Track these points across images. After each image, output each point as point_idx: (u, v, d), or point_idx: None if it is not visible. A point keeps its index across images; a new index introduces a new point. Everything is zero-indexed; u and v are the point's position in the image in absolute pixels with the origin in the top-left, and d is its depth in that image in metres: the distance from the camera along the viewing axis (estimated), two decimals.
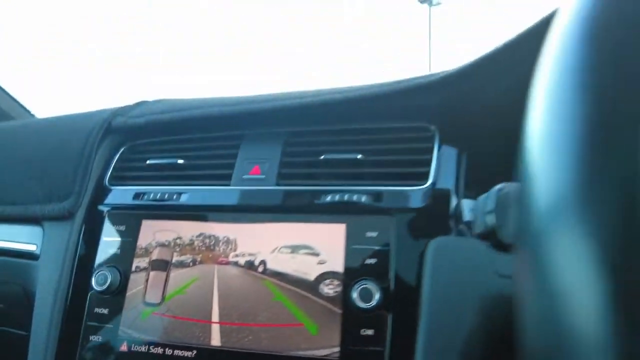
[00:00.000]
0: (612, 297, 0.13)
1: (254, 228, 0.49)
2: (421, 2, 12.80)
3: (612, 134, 0.15)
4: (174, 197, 0.53)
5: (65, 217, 0.54)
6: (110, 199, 0.56)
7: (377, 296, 0.42)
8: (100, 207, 0.55)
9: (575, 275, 0.14)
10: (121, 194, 0.56)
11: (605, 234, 0.14)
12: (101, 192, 0.56)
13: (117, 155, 0.59)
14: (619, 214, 0.14)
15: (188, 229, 0.51)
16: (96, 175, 0.57)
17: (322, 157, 0.51)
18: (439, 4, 13.46)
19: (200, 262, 0.49)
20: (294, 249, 0.48)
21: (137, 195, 0.54)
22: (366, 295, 0.43)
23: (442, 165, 0.49)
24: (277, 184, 0.51)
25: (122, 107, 0.61)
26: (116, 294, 0.50)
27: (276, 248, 0.48)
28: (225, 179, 0.53)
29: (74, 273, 0.53)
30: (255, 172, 0.52)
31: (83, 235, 0.54)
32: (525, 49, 0.42)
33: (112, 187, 0.57)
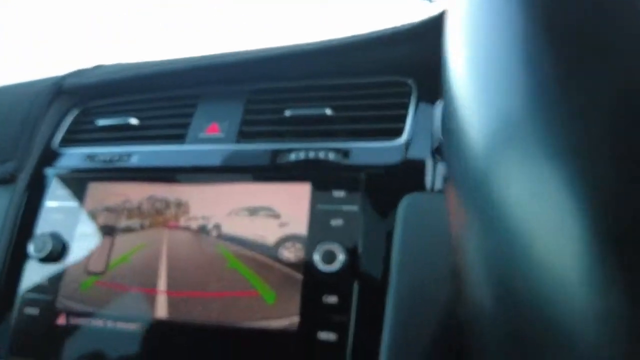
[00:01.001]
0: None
1: (209, 190, 0.44)
2: None
3: None
4: (124, 158, 0.48)
5: (7, 180, 0.49)
6: (58, 162, 0.50)
7: (341, 258, 0.37)
8: (47, 171, 0.50)
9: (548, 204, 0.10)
10: (69, 157, 0.50)
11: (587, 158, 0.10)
12: (49, 155, 0.51)
13: (68, 118, 0.54)
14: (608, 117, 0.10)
15: (137, 192, 0.46)
16: (44, 138, 0.52)
17: (287, 113, 0.46)
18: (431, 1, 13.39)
19: (150, 227, 0.44)
20: (252, 211, 0.42)
21: (85, 158, 0.49)
22: (329, 258, 0.37)
23: (419, 122, 0.44)
24: (237, 143, 0.46)
25: (76, 70, 0.55)
26: (56, 262, 0.44)
27: (232, 210, 0.43)
28: (180, 138, 0.48)
29: (13, 239, 0.47)
30: (213, 131, 0.47)
31: (25, 199, 0.49)
32: None
33: (61, 150, 0.51)
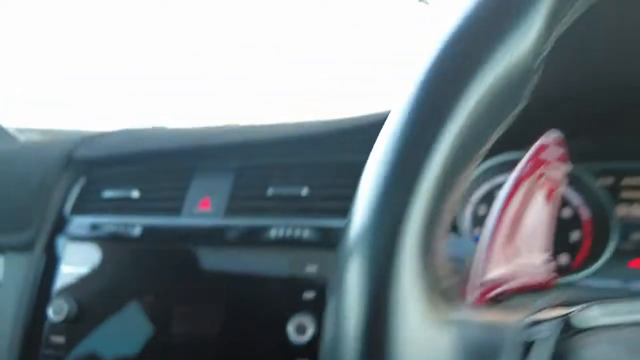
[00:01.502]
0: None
1: (200, 260, 0.51)
2: (419, 0, 12.86)
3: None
4: (128, 229, 0.54)
5: (25, 247, 0.56)
6: (69, 229, 0.57)
7: (311, 331, 0.44)
8: (60, 237, 0.57)
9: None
10: (80, 225, 0.57)
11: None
12: (61, 223, 0.58)
13: (77, 187, 0.60)
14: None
15: (141, 261, 0.53)
16: (56, 206, 0.58)
17: (269, 192, 0.52)
18: (427, 3, 13.44)
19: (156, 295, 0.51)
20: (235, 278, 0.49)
21: (94, 227, 0.56)
22: (300, 329, 0.44)
23: None
24: (225, 217, 0.53)
25: (82, 139, 0.62)
26: (73, 323, 0.51)
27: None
28: (176, 211, 0.54)
29: (33, 302, 0.54)
30: (205, 205, 0.54)
31: (43, 264, 0.56)
32: None
33: (72, 218, 0.58)
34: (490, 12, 0.18)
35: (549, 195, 0.27)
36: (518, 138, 0.52)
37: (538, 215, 0.26)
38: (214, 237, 0.52)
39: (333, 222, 0.49)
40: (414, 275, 0.17)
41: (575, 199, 0.53)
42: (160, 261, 0.52)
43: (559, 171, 0.27)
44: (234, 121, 0.80)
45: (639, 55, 0.45)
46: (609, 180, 0.54)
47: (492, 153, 0.55)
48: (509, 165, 0.55)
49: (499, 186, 0.55)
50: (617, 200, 0.53)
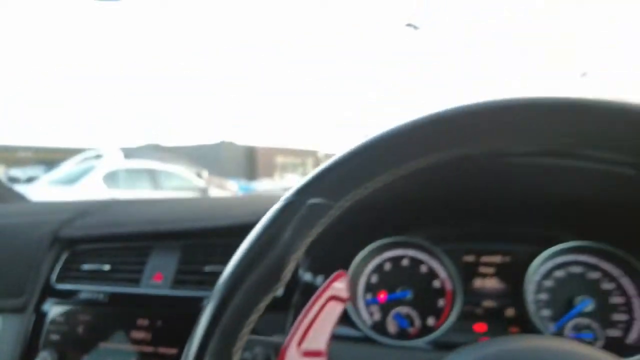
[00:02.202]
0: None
1: (154, 320, 0.66)
2: (407, 27, 13.42)
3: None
4: (101, 295, 0.69)
5: (20, 309, 0.71)
6: (55, 294, 0.72)
7: None
8: (47, 301, 0.72)
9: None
10: (63, 291, 0.72)
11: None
12: (48, 289, 0.73)
13: (61, 261, 0.76)
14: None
15: (109, 320, 0.68)
16: (44, 276, 0.74)
17: (207, 268, 0.68)
18: (423, 28, 14.00)
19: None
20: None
21: (74, 293, 0.71)
22: None
23: (292, 276, 0.65)
24: (172, 289, 0.68)
25: (66, 220, 0.77)
26: None
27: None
28: (137, 282, 0.70)
29: (24, 353, 0.69)
30: (158, 278, 0.69)
31: (32, 323, 0.70)
32: None
33: (57, 286, 0.73)
34: (259, 242, 0.33)
35: (336, 312, 0.41)
36: (400, 225, 0.68)
37: (326, 324, 0.40)
38: (164, 303, 0.67)
39: None
40: None
41: (442, 273, 0.68)
42: (123, 321, 0.67)
43: (344, 294, 0.42)
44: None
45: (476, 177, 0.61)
46: (470, 258, 0.69)
47: (380, 236, 0.70)
48: (393, 245, 0.70)
49: (387, 259, 0.70)
50: (475, 274, 0.68)
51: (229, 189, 9.04)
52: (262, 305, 0.33)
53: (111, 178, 6.03)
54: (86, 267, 0.73)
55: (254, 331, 0.62)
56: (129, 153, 9.14)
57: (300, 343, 0.38)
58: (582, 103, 0.30)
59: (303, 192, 0.35)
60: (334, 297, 0.40)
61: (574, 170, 0.56)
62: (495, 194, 0.65)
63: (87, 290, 0.70)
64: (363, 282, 0.70)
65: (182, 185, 6.68)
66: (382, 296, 0.69)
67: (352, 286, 0.69)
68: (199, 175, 8.06)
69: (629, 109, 0.30)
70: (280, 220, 0.34)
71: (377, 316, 0.68)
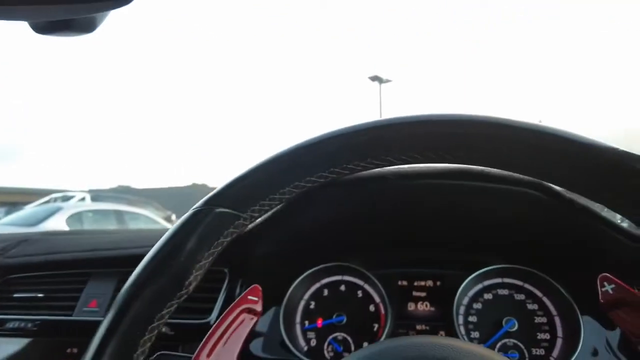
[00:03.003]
0: None
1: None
2: (372, 80, 13.88)
3: None
4: (29, 325, 0.66)
5: None
6: None
7: None
8: None
9: None
10: None
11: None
12: None
13: None
14: None
15: (39, 352, 0.65)
16: None
17: None
18: (389, 81, 14.58)
19: None
20: None
21: (7, 321, 0.68)
22: None
23: (227, 302, 0.64)
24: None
25: (2, 247, 0.75)
26: None
27: None
28: (71, 309, 0.67)
29: None
30: (93, 305, 0.67)
31: None
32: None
33: None
34: (164, 250, 0.34)
35: (248, 324, 0.41)
36: (338, 252, 0.69)
37: (237, 338, 0.40)
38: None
39: (183, 321, 0.63)
40: None
41: (377, 297, 0.69)
42: (52, 350, 0.65)
43: (257, 307, 0.42)
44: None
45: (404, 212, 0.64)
46: (403, 283, 0.71)
47: (319, 262, 0.71)
48: (331, 271, 0.71)
49: (325, 285, 0.71)
50: (408, 298, 0.69)
51: None
52: (166, 312, 0.34)
53: (76, 220, 5.82)
54: (19, 295, 0.70)
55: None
56: (97, 195, 8.93)
57: (209, 355, 0.38)
58: (472, 120, 0.33)
59: (211, 202, 0.36)
60: (247, 310, 0.41)
61: (492, 196, 0.59)
62: (424, 221, 0.68)
63: (17, 319, 0.67)
64: (301, 308, 0.70)
65: (149, 228, 6.50)
66: (319, 322, 0.69)
67: (290, 313, 0.69)
68: (168, 219, 7.89)
69: (530, 130, 0.32)
70: (187, 229, 0.35)
71: (314, 342, 0.67)
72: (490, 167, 0.35)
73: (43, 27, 0.61)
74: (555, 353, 0.62)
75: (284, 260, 0.71)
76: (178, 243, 0.34)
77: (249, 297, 0.41)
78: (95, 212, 6.35)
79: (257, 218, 0.37)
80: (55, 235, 0.78)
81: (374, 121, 0.35)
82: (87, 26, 0.59)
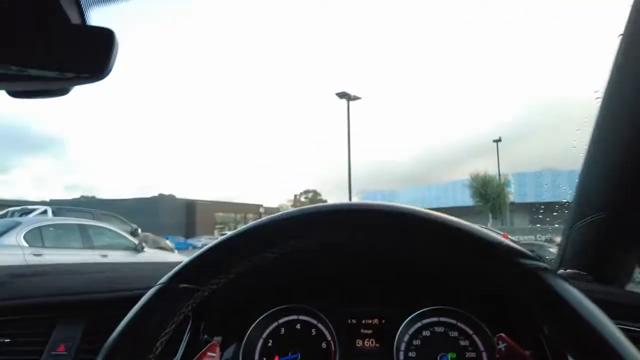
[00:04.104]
0: None
1: None
2: (340, 98, 14.22)
3: None
4: None
5: None
6: None
7: None
8: None
9: None
10: None
11: None
12: None
13: None
14: None
15: None
16: None
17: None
18: (358, 98, 14.95)
19: None
20: None
21: None
22: None
23: (190, 344, 0.69)
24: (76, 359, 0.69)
25: None
26: None
27: None
28: (38, 354, 0.70)
29: None
30: (61, 350, 0.70)
31: None
32: None
33: None
34: (133, 322, 0.40)
35: None
36: (294, 295, 0.75)
37: None
38: None
39: None
40: None
41: (328, 335, 0.76)
42: None
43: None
44: None
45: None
46: (352, 321, 0.78)
47: (274, 304, 0.77)
48: (288, 311, 0.77)
49: (282, 324, 0.77)
50: (356, 335, 0.76)
51: (164, 246, 8.64)
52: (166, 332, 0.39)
53: (36, 235, 5.58)
54: None
55: None
56: (59, 208, 8.60)
57: None
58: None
59: (175, 278, 0.42)
60: None
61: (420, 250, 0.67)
62: (367, 268, 0.75)
63: None
64: (259, 346, 0.75)
65: (113, 244, 6.32)
66: (276, 359, 0.74)
67: (250, 350, 0.74)
68: (133, 233, 7.70)
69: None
70: (153, 303, 0.41)
71: None
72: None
73: (18, 93, 0.65)
74: None
75: (244, 302, 0.76)
76: (146, 315, 0.40)
77: (209, 353, 0.47)
78: (57, 226, 6.12)
79: (215, 289, 0.43)
80: (20, 277, 0.80)
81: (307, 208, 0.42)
82: (61, 92, 0.64)
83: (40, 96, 0.62)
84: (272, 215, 0.42)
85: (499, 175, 23.34)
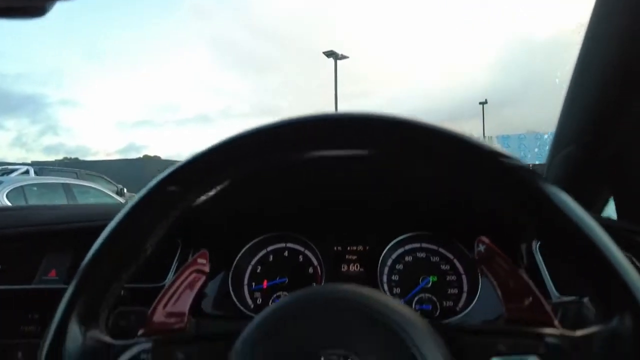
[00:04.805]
0: None
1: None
2: (327, 56, 13.87)
3: None
4: None
5: None
6: None
7: None
8: None
9: None
10: None
11: None
12: None
13: None
14: None
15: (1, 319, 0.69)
16: None
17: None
18: (345, 57, 14.64)
19: None
20: None
21: None
22: None
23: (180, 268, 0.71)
24: (66, 284, 0.70)
25: None
26: None
27: None
28: (30, 279, 0.71)
29: None
30: (52, 275, 0.71)
31: None
32: None
33: None
34: (122, 224, 0.40)
35: (198, 282, 0.48)
36: (282, 223, 0.76)
37: (189, 292, 0.47)
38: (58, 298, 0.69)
39: (138, 285, 0.69)
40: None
41: (315, 261, 0.78)
42: (14, 316, 0.69)
43: (205, 269, 0.49)
44: None
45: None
46: (338, 248, 0.80)
47: (262, 232, 0.79)
48: (275, 239, 0.79)
49: (271, 251, 0.79)
50: (342, 261, 0.79)
51: None
52: (126, 275, 0.40)
53: (19, 194, 5.49)
54: None
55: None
56: (42, 168, 8.43)
57: (165, 306, 0.45)
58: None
59: (164, 181, 0.42)
60: (196, 271, 0.48)
61: (406, 175, 0.69)
62: (354, 195, 0.77)
63: None
64: (249, 272, 0.78)
65: (99, 203, 6.28)
66: (265, 283, 0.77)
67: (239, 276, 0.77)
68: (119, 193, 7.64)
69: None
70: (142, 204, 0.41)
71: (259, 300, 0.76)
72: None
73: None
74: (460, 304, 0.74)
75: (232, 230, 0.78)
76: (135, 217, 0.40)
77: (198, 260, 0.48)
78: (41, 185, 6.02)
79: (205, 196, 0.44)
80: (7, 210, 0.80)
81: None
82: (39, 12, 0.62)
83: (16, 15, 0.59)
84: (272, 122, 0.42)
85: (484, 137, 23.53)
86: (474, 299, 0.72)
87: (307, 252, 0.79)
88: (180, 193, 0.42)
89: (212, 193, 0.43)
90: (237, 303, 0.72)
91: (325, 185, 0.75)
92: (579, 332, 0.32)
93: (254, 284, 0.77)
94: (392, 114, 0.41)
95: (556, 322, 0.36)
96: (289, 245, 0.80)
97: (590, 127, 0.81)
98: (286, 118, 0.42)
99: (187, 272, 0.47)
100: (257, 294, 0.76)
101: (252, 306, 0.75)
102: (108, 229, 0.40)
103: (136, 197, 0.42)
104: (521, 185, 0.34)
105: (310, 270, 0.78)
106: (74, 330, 0.37)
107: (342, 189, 0.76)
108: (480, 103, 23.58)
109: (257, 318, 0.35)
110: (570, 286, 0.65)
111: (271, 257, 0.79)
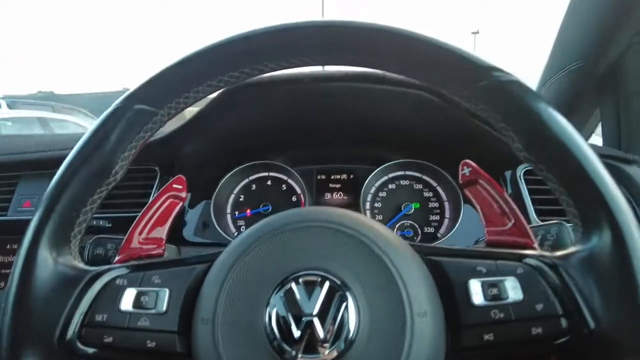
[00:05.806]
0: None
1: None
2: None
3: None
4: None
5: None
6: None
7: None
8: None
9: None
10: None
11: None
12: None
13: None
14: None
15: None
16: None
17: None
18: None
19: None
20: None
21: None
22: None
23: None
24: None
25: None
26: None
27: None
28: (5, 210, 0.69)
29: None
30: (27, 205, 0.69)
31: None
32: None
33: None
34: (89, 142, 0.37)
35: (175, 208, 0.47)
36: (264, 151, 0.74)
37: (165, 218, 0.46)
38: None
39: (121, 215, 0.68)
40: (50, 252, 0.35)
41: (298, 189, 0.77)
42: None
43: (182, 194, 0.47)
44: None
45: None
46: (322, 176, 0.79)
47: (244, 161, 0.77)
48: (258, 167, 0.78)
49: (254, 180, 0.78)
50: (325, 189, 0.79)
51: None
52: (97, 197, 0.38)
53: None
54: None
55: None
56: (15, 102, 8.05)
57: (141, 233, 0.44)
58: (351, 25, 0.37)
59: (131, 99, 0.39)
60: (173, 196, 0.46)
61: (392, 98, 0.66)
62: (336, 122, 0.74)
63: None
64: (231, 200, 0.77)
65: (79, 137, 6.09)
66: (248, 212, 0.76)
67: (221, 205, 0.76)
68: None
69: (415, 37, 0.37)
70: (109, 123, 0.38)
71: (243, 228, 0.76)
72: (374, 68, 0.40)
73: None
74: (442, 230, 0.75)
75: (213, 158, 0.75)
76: (102, 136, 0.37)
77: (174, 185, 0.46)
78: (16, 120, 5.80)
79: (173, 115, 0.41)
80: None
81: (273, 25, 0.38)
82: None
83: None
84: (242, 32, 0.38)
85: None
86: (455, 225, 0.72)
87: (290, 181, 0.78)
88: (148, 110, 0.39)
89: (178, 109, 0.41)
90: (219, 231, 0.72)
91: (305, 109, 0.72)
92: (558, 253, 0.32)
93: (237, 212, 0.76)
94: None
95: (536, 245, 0.36)
96: (272, 174, 0.78)
97: (581, 50, 0.78)
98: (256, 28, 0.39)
99: (162, 197, 0.46)
100: (241, 222, 0.76)
101: (235, 234, 0.75)
102: (75, 149, 0.38)
103: (103, 115, 0.40)
104: (513, 98, 0.33)
105: (294, 198, 0.77)
106: (44, 256, 0.35)
107: (324, 115, 0.74)
108: (472, 33, 22.88)
109: (234, 241, 0.34)
110: (551, 214, 0.66)
111: (254, 186, 0.78)
